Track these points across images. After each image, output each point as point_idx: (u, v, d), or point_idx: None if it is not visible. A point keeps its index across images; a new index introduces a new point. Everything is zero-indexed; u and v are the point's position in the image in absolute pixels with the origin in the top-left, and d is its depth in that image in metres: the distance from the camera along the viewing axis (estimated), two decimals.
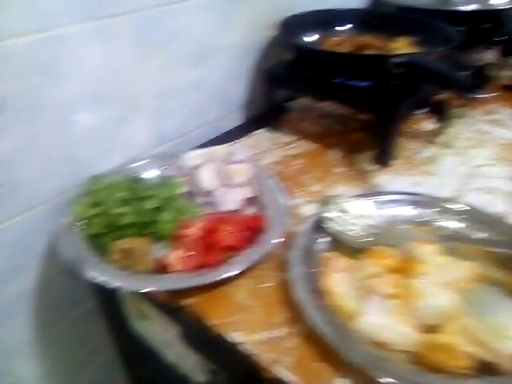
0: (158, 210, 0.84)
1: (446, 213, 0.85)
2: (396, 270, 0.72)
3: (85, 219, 0.83)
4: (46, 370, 1.10)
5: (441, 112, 1.17)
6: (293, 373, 0.63)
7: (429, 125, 1.21)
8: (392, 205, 0.87)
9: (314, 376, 0.62)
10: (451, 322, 0.65)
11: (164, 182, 0.91)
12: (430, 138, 1.15)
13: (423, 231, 0.82)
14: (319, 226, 0.81)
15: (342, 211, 0.82)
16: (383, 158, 1.04)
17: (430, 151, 1.11)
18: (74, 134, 0.90)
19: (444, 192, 0.96)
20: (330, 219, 0.81)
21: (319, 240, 0.80)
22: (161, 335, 0.86)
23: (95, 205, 0.84)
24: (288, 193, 0.91)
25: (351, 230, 0.80)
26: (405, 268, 0.72)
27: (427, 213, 0.85)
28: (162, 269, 0.76)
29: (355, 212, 0.82)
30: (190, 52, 1.04)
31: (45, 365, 1.09)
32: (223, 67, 1.14)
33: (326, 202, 0.84)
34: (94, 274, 0.73)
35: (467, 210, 0.85)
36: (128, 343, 0.97)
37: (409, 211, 0.86)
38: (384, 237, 0.80)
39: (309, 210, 0.91)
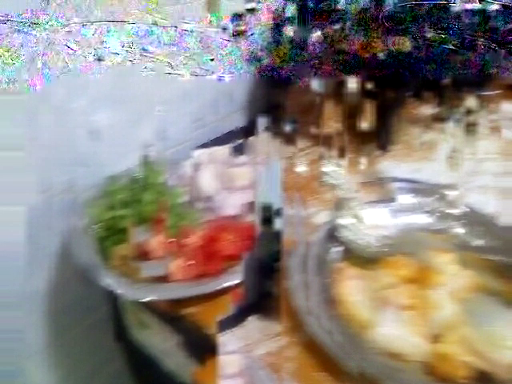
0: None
1: (446, 218, 0.85)
2: (412, 281, 0.72)
3: (101, 222, 0.84)
4: (59, 378, 1.10)
5: (440, 96, 1.16)
6: (293, 382, 0.63)
7: (428, 109, 1.20)
8: (407, 213, 0.87)
9: None
10: (451, 332, 0.65)
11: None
12: (429, 122, 1.15)
13: (439, 239, 0.82)
14: (333, 235, 0.81)
15: (356, 217, 0.81)
16: (383, 143, 1.04)
17: (428, 136, 1.11)
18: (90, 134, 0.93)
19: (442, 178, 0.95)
20: (344, 226, 0.80)
21: (333, 249, 0.81)
22: (161, 344, 0.86)
23: (111, 207, 0.85)
24: (301, 202, 0.91)
25: (365, 240, 0.80)
26: (421, 278, 0.72)
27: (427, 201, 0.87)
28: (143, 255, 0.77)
29: (370, 221, 0.82)
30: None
31: (58, 372, 1.09)
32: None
33: (339, 206, 0.83)
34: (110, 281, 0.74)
35: (466, 213, 0.85)
36: (128, 352, 0.98)
37: (424, 219, 0.86)
38: (399, 246, 0.80)
39: (322, 218, 0.89)
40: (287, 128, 1.07)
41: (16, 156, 0.81)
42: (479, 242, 0.81)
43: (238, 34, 1.05)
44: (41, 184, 0.89)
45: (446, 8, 1.13)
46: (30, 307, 0.98)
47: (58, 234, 0.93)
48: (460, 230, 0.84)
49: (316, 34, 1.13)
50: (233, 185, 0.90)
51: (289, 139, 1.08)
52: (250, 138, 1.12)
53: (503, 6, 1.07)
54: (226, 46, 1.08)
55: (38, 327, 1.01)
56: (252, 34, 1.10)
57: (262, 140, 1.11)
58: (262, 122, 1.16)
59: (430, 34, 1.04)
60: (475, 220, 0.84)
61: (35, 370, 1.04)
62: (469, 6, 1.07)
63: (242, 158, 0.97)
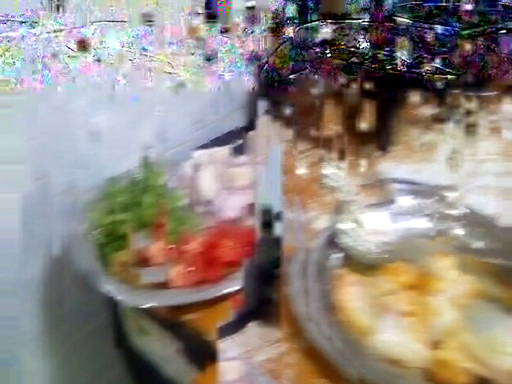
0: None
1: (446, 219, 0.85)
2: (411, 287, 0.72)
3: (101, 227, 0.84)
4: (54, 365, 1.10)
5: (440, 97, 1.16)
6: None
7: (428, 110, 1.20)
8: (407, 216, 0.87)
9: None
10: (451, 338, 0.65)
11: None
12: (429, 123, 1.14)
13: (439, 242, 0.82)
14: (333, 242, 0.81)
15: (356, 222, 0.81)
16: (383, 143, 1.04)
17: (428, 137, 1.11)
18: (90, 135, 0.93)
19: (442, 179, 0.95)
20: (344, 232, 0.80)
21: (333, 256, 0.80)
22: (161, 351, 0.86)
23: (111, 211, 0.85)
24: (301, 206, 0.91)
25: (365, 246, 0.79)
26: (421, 284, 0.72)
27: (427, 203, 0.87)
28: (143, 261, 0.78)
29: (370, 226, 0.81)
30: None
31: (52, 360, 1.09)
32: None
33: (339, 209, 0.83)
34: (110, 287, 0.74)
35: (466, 214, 0.85)
36: (128, 358, 0.98)
37: (424, 224, 0.86)
38: (399, 252, 0.80)
39: (322, 223, 0.89)
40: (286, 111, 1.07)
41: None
42: (479, 244, 0.81)
43: (226, 31, 1.04)
44: (35, 171, 0.89)
45: (445, 8, 1.13)
46: (25, 294, 0.97)
47: (57, 237, 0.93)
48: (460, 232, 0.84)
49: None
50: (233, 185, 0.90)
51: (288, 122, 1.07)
52: (250, 133, 1.12)
53: (503, 6, 1.07)
54: (225, 43, 1.07)
55: (33, 315, 1.01)
56: (252, 32, 1.09)
57: (262, 123, 1.10)
58: (262, 105, 1.16)
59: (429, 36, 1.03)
60: (475, 221, 0.84)
61: (30, 358, 1.04)
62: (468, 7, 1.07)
63: (242, 158, 0.97)
